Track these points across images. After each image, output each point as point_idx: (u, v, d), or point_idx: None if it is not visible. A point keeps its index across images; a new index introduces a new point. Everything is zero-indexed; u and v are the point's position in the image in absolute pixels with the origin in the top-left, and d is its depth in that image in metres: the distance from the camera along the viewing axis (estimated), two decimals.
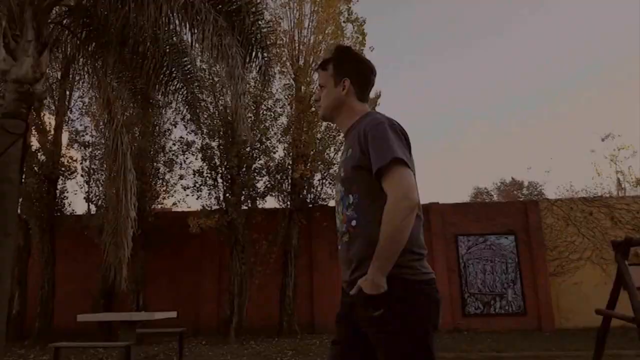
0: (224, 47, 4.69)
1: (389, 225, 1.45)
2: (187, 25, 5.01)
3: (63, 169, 11.37)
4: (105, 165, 10.69)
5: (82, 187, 11.69)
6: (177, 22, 5.56)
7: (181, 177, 10.86)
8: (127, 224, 5.83)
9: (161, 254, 11.72)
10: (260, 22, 5.93)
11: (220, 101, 10.65)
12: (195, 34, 5.11)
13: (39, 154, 11.17)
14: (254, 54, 5.79)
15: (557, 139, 53.86)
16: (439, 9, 58.66)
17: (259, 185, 10.89)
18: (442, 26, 60.37)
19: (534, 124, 53.76)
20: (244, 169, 10.54)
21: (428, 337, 1.54)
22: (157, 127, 11.02)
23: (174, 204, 11.04)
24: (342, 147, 1.78)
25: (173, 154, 10.95)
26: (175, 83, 7.17)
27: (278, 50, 10.71)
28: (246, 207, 10.89)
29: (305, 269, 11.82)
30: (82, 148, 11.01)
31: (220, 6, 5.58)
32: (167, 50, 6.84)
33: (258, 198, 10.93)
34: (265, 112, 11.11)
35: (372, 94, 11.03)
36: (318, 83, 1.88)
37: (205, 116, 10.08)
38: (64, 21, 5.81)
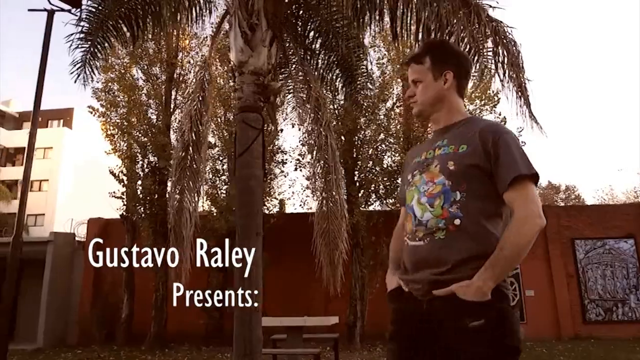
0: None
1: (520, 237, 1.42)
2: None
3: (171, 168, 11.11)
4: (226, 164, 10.43)
5: None
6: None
7: (307, 178, 10.54)
8: (341, 224, 5.52)
9: (272, 257, 11.43)
10: None
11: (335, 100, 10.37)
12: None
13: (149, 154, 10.95)
14: None
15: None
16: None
17: (380, 186, 10.55)
18: None
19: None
20: (367, 169, 10.24)
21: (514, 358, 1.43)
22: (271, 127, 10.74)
23: (300, 205, 10.73)
24: (438, 142, 1.64)
25: (290, 155, 10.67)
26: (351, 80, 6.86)
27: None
28: (365, 209, 10.57)
29: None
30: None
31: None
32: (352, 46, 6.54)
33: (379, 200, 10.60)
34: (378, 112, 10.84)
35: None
36: (410, 78, 1.74)
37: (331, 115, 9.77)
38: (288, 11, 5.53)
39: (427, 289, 1.47)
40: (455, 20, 4.47)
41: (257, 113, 4.87)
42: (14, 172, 29.58)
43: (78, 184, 28.29)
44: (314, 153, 5.67)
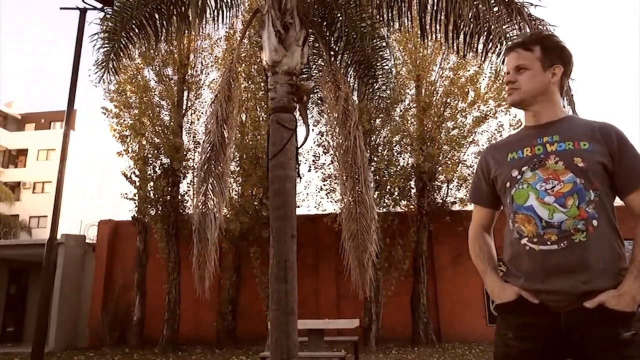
0: None
1: None
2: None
3: (183, 170, 11.04)
4: (240, 166, 10.36)
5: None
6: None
7: (324, 179, 10.47)
8: (370, 225, 5.44)
9: None
10: None
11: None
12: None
13: (161, 155, 10.88)
14: None
15: None
16: None
17: (394, 188, 10.48)
18: None
19: None
20: (382, 171, 10.17)
21: None
22: None
23: (315, 207, 10.66)
24: (545, 137, 1.58)
25: (303, 156, 10.59)
26: (374, 80, 6.79)
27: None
28: (379, 211, 10.48)
29: (429, 276, 11.38)
30: None
31: None
32: (376, 46, 6.48)
33: (394, 202, 10.52)
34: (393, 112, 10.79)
35: None
36: (513, 64, 1.67)
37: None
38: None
39: (572, 300, 1.40)
40: (492, 17, 4.42)
41: (291, 113, 4.81)
42: (17, 174, 29.45)
43: (81, 185, 28.15)
44: (342, 154, 5.58)
